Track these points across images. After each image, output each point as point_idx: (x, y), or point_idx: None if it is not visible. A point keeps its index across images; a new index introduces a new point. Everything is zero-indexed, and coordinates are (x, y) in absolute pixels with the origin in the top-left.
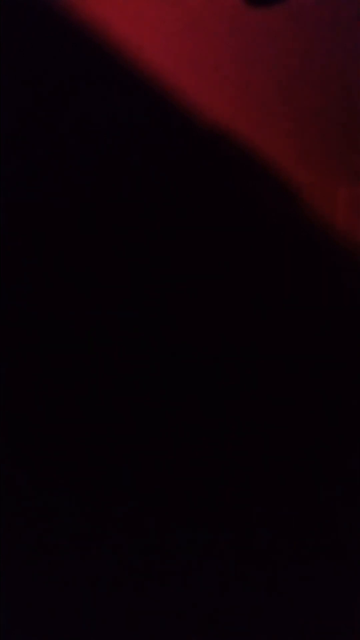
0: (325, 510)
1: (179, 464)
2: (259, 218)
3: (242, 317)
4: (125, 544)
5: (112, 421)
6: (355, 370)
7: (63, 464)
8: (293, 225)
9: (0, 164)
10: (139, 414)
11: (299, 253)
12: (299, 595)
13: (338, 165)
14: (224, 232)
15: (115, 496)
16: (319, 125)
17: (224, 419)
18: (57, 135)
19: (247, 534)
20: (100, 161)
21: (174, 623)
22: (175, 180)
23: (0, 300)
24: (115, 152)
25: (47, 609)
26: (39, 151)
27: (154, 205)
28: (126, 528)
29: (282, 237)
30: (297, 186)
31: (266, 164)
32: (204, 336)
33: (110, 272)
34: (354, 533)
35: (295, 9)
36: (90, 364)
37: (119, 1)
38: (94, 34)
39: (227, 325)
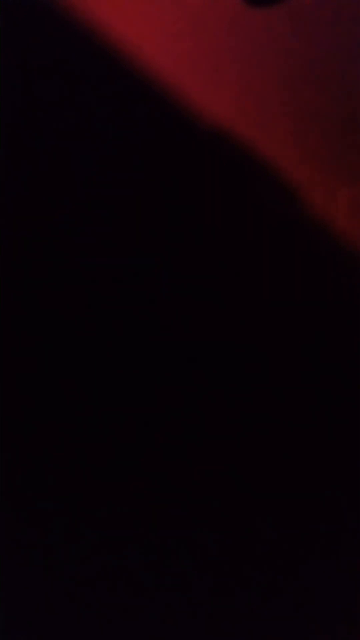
0: (325, 510)
1: (179, 464)
2: (259, 218)
3: (242, 316)
4: (124, 545)
5: (112, 421)
6: (355, 369)
7: (63, 464)
8: (293, 225)
9: (1, 163)
10: (138, 414)
11: (299, 253)
12: (299, 595)
13: (338, 165)
14: (224, 232)
15: (115, 496)
16: (319, 125)
17: (224, 419)
18: (57, 135)
19: (247, 534)
20: (100, 161)
21: (173, 623)
22: (176, 180)
23: (0, 299)
24: (115, 151)
25: (47, 609)
26: (38, 151)
27: (154, 205)
28: (126, 528)
29: (282, 237)
30: (298, 186)
31: (266, 164)
32: (204, 335)
33: (110, 272)
34: (353, 533)
35: (295, 9)
36: (90, 364)
37: (119, 1)
38: (94, 34)
39: (227, 325)
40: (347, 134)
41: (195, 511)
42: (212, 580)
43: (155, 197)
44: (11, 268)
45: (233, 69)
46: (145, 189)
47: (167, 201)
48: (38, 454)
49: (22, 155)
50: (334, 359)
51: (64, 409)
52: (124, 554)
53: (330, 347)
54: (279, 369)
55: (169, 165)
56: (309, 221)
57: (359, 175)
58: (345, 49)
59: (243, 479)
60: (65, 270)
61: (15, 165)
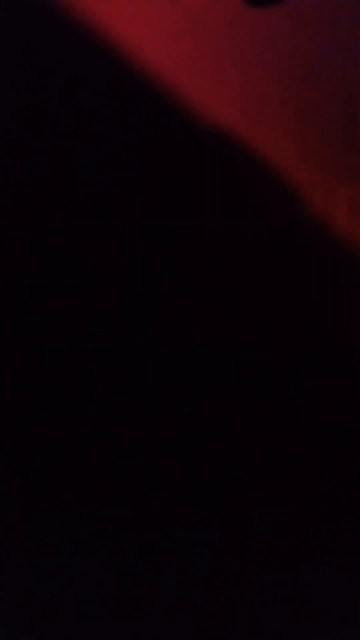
0: (324, 510)
1: (179, 465)
2: (259, 218)
3: (242, 317)
4: (124, 545)
5: (112, 421)
6: (356, 370)
7: (63, 464)
8: (293, 225)
9: (1, 164)
10: (138, 413)
11: (299, 253)
12: (298, 596)
13: (338, 165)
14: (224, 232)
15: (115, 496)
16: (320, 126)
17: (225, 418)
18: (57, 135)
19: (247, 535)
20: (100, 161)
21: (172, 623)
22: (176, 180)
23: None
24: (115, 151)
25: (47, 609)
26: (38, 151)
27: (153, 205)
28: (125, 529)
29: (282, 237)
30: (298, 186)
31: (266, 164)
32: (204, 336)
33: (109, 273)
34: (353, 534)
35: (295, 9)
36: (90, 364)
37: (119, 1)
38: (94, 34)
39: (226, 325)
40: (347, 134)
41: (195, 511)
42: (212, 580)
43: (155, 197)
44: (11, 268)
45: (233, 69)
46: (145, 189)
47: (167, 201)
48: (37, 454)
49: (22, 155)
50: (334, 360)
51: (64, 407)
52: (123, 554)
53: (331, 347)
54: (279, 369)
55: (169, 165)
56: (309, 221)
57: (359, 176)
58: (345, 49)
59: (243, 479)
60: (65, 269)
61: (15, 165)
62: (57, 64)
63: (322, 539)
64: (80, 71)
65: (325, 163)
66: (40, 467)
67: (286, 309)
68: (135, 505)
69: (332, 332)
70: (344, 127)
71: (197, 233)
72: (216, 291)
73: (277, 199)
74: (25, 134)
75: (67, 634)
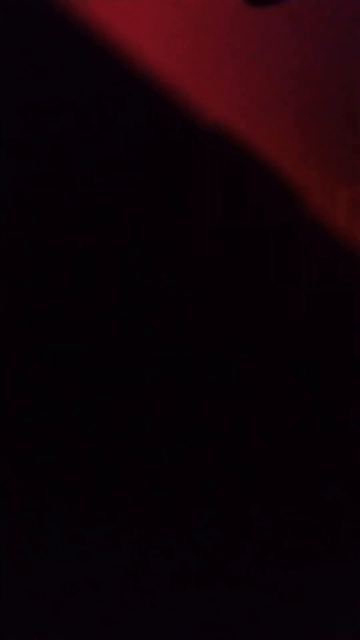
0: (324, 510)
1: (178, 464)
2: (259, 218)
3: (242, 318)
4: (123, 545)
5: (111, 421)
6: (356, 370)
7: (62, 463)
8: (293, 226)
9: (0, 164)
10: (137, 412)
11: (299, 253)
12: (298, 596)
13: (338, 165)
14: (224, 233)
15: (114, 496)
16: (319, 126)
17: (224, 418)
18: (56, 135)
19: (247, 535)
20: (99, 161)
21: (171, 623)
22: (175, 180)
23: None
24: (115, 152)
25: (47, 609)
26: (38, 151)
27: (153, 206)
28: (124, 529)
29: (282, 238)
30: (298, 186)
31: (266, 164)
32: (203, 337)
33: (109, 272)
34: (353, 534)
35: (295, 9)
36: (89, 365)
37: (119, 1)
38: (94, 34)
39: (226, 327)
40: (347, 134)
41: (195, 511)
42: (211, 580)
43: (155, 197)
44: (10, 267)
45: (233, 69)
46: (145, 188)
47: (166, 201)
48: (37, 454)
49: (22, 155)
50: (335, 360)
51: (63, 406)
52: (122, 554)
53: (331, 347)
54: (279, 369)
55: (169, 165)
56: (309, 221)
57: (359, 176)
58: (345, 49)
59: (243, 479)
60: (63, 268)
61: (14, 165)
62: (56, 64)
63: (322, 539)
64: (80, 71)
65: (325, 163)
66: (40, 466)
67: (286, 309)
68: (134, 505)
69: (332, 333)
70: (344, 127)
71: (197, 233)
72: (216, 291)
73: (277, 199)
74: (24, 134)
75: (67, 634)
